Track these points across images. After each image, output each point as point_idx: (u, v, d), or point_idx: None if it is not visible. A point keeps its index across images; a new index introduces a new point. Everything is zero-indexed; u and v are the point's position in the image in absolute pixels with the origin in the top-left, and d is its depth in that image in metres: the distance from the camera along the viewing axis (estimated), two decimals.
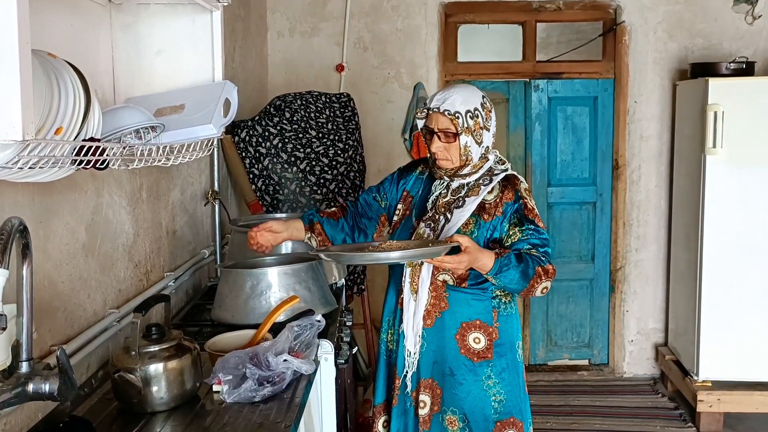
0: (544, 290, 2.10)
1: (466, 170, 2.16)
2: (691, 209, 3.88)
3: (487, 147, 2.16)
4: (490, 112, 2.17)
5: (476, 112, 2.11)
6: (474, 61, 4.43)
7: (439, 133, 2.12)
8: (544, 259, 2.08)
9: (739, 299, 3.71)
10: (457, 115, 2.08)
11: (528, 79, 4.43)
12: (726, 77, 3.76)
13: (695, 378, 3.78)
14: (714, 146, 3.61)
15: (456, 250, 1.97)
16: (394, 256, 1.98)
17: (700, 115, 3.70)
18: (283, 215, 2.90)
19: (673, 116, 4.25)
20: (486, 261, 2.01)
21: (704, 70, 3.86)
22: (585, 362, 4.62)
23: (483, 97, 2.16)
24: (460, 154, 2.12)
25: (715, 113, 3.58)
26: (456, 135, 2.10)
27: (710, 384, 3.73)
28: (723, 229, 3.70)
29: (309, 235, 2.27)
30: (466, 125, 2.09)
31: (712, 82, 3.61)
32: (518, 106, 4.46)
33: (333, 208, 2.35)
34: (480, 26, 4.43)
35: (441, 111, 2.10)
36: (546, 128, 4.45)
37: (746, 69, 3.83)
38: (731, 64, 3.82)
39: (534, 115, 4.44)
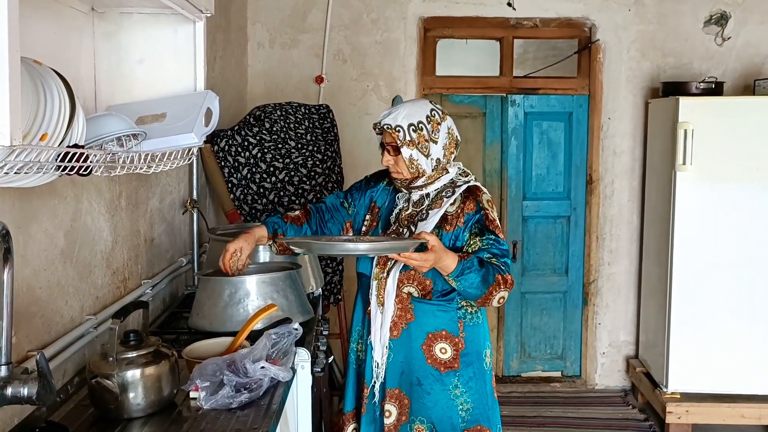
0: (501, 300, 2.11)
1: (420, 182, 2.19)
2: (661, 224, 3.97)
3: (438, 159, 2.18)
4: (439, 124, 2.17)
5: (420, 125, 2.14)
6: (452, 75, 4.50)
7: (387, 147, 2.18)
8: (503, 268, 2.10)
9: (708, 313, 3.79)
10: (398, 128, 2.12)
11: (505, 94, 4.50)
12: (696, 96, 3.86)
13: (664, 390, 3.84)
14: (684, 163, 3.70)
15: (424, 248, 2.00)
16: (362, 247, 2.02)
17: (670, 133, 3.79)
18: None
19: (645, 133, 4.35)
20: (449, 262, 2.04)
21: (675, 89, 3.96)
22: (558, 374, 4.68)
23: (432, 110, 2.18)
24: (407, 166, 2.15)
25: (685, 131, 3.67)
26: (399, 148, 2.14)
27: (679, 396, 3.80)
28: (692, 244, 3.78)
29: (271, 242, 2.28)
30: (408, 138, 2.12)
31: (683, 101, 3.71)
32: (495, 121, 4.53)
33: (297, 212, 2.35)
34: (458, 41, 4.50)
35: (383, 125, 2.15)
36: (522, 142, 4.53)
37: (715, 89, 3.93)
38: (701, 84, 3.93)
39: (510, 130, 4.51)
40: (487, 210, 2.17)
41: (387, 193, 2.32)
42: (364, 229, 2.31)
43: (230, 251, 2.18)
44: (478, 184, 2.24)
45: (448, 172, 2.22)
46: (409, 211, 2.22)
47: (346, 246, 2.04)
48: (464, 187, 2.20)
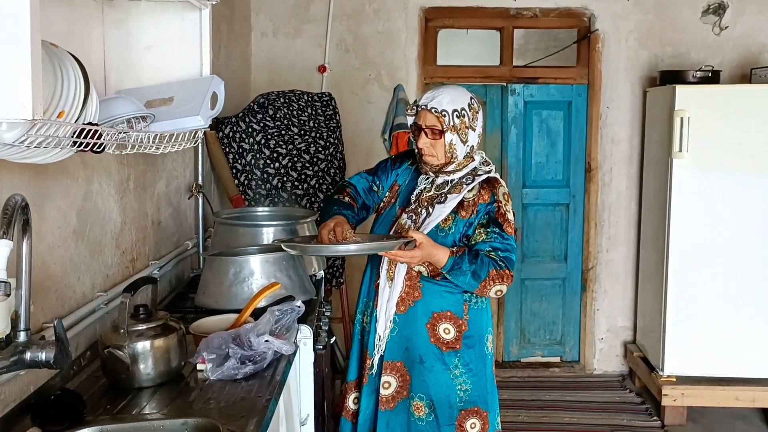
0: (498, 293, 2.18)
1: (450, 167, 2.26)
2: (658, 211, 4.03)
3: (472, 146, 2.26)
4: (477, 113, 2.26)
5: (463, 111, 2.21)
6: (453, 65, 4.56)
7: (426, 130, 2.22)
8: (502, 264, 2.16)
9: (703, 298, 3.85)
10: (443, 113, 2.18)
11: (505, 84, 4.56)
12: (693, 84, 3.92)
13: (660, 373, 3.91)
14: (680, 150, 3.76)
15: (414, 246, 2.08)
16: (352, 248, 2.12)
17: (667, 121, 3.85)
18: (266, 209, 3.01)
19: (643, 121, 4.41)
20: (441, 257, 2.12)
21: (672, 77, 4.02)
22: (557, 359, 4.75)
23: (471, 98, 2.26)
24: (445, 151, 2.22)
25: (682, 119, 3.73)
26: (442, 132, 2.20)
27: (674, 379, 3.87)
28: (688, 231, 3.84)
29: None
30: (452, 123, 2.19)
31: (679, 89, 3.76)
32: (495, 110, 4.59)
33: (346, 199, 2.37)
34: (459, 31, 4.56)
35: (429, 108, 2.20)
36: (522, 131, 4.59)
37: (712, 77, 3.99)
38: (698, 73, 3.98)
39: (510, 119, 4.58)
40: (501, 203, 2.24)
41: (409, 172, 2.39)
42: (381, 205, 2.39)
43: (336, 225, 2.17)
44: (497, 176, 2.31)
45: (473, 160, 2.29)
46: (431, 193, 2.29)
47: (337, 248, 2.14)
48: (484, 176, 2.28)
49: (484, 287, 2.16)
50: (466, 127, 2.21)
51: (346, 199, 2.37)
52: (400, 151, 3.78)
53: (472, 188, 2.25)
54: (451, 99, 2.20)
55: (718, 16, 4.33)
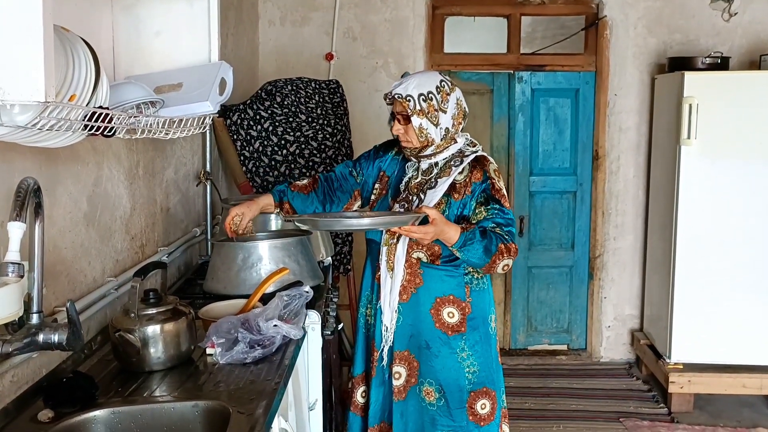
0: (506, 267, 2.18)
1: (428, 150, 2.26)
2: (666, 199, 4.02)
3: (447, 128, 2.25)
4: (448, 95, 2.24)
5: (430, 95, 2.21)
6: (460, 53, 4.55)
7: (398, 117, 2.25)
8: (507, 237, 2.17)
9: (710, 286, 3.85)
10: (408, 98, 2.19)
11: (512, 71, 4.55)
12: (701, 71, 3.90)
13: (668, 361, 3.92)
14: (689, 137, 3.75)
15: (425, 222, 2.09)
16: (365, 222, 2.13)
17: (676, 108, 3.84)
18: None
19: (652, 109, 4.39)
20: (452, 234, 2.12)
21: (681, 64, 3.99)
22: (564, 347, 4.76)
23: (441, 81, 2.25)
24: (417, 135, 2.23)
25: (690, 105, 3.71)
26: (409, 117, 2.21)
27: (681, 366, 3.87)
28: (696, 219, 3.83)
29: (278, 211, 2.36)
30: (418, 107, 2.19)
31: (688, 75, 3.75)
32: (502, 97, 4.58)
33: (305, 181, 2.42)
34: (466, 18, 4.55)
35: (394, 95, 2.23)
36: (529, 119, 4.58)
37: (721, 64, 3.97)
38: (707, 59, 3.96)
39: (517, 106, 4.56)
40: (494, 179, 2.24)
41: (396, 162, 2.40)
42: (373, 197, 2.39)
43: (231, 214, 2.27)
44: (485, 154, 2.31)
45: (456, 142, 2.29)
46: (419, 179, 2.30)
47: (349, 222, 2.16)
48: (472, 156, 2.28)
49: (493, 262, 2.15)
50: (435, 110, 2.21)
51: (304, 181, 2.41)
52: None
53: (462, 170, 2.26)
54: (417, 84, 2.21)
55: (728, 2, 4.29)
